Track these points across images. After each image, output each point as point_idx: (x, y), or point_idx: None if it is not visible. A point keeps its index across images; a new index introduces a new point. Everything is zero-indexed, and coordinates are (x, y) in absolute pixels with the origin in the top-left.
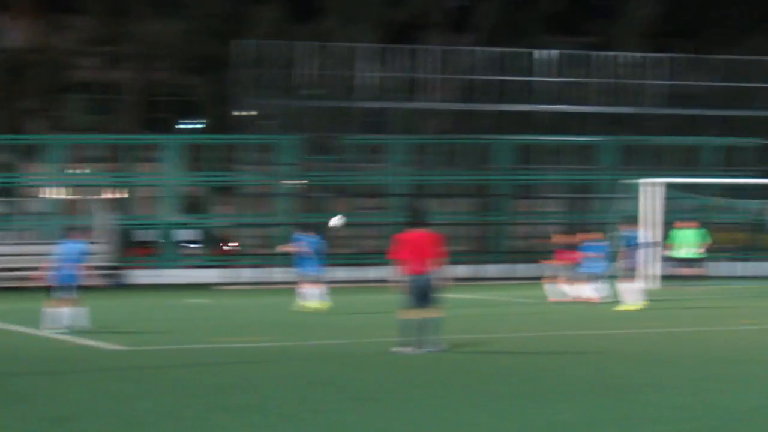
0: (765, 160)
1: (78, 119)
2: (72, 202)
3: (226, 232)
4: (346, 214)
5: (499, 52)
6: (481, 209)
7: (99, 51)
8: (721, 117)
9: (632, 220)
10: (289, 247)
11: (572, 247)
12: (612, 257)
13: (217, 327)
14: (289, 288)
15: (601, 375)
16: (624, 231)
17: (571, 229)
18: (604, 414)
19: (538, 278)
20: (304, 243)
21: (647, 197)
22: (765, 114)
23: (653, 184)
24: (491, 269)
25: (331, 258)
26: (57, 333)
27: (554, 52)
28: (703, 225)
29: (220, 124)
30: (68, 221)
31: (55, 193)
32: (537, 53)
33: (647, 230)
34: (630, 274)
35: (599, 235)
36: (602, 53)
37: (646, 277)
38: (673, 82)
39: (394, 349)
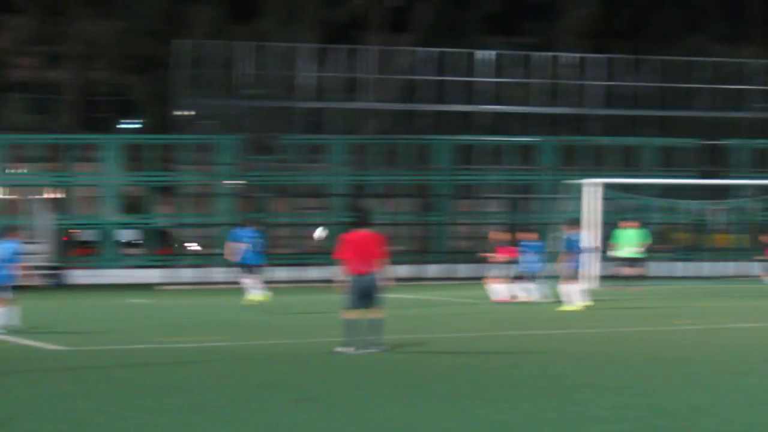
0: (704, 160)
1: (17, 119)
2: (11, 201)
3: (184, 233)
4: (286, 214)
5: (439, 52)
6: (422, 209)
7: (38, 51)
8: (661, 117)
9: (574, 222)
10: (233, 247)
11: (509, 245)
12: (547, 257)
13: (159, 327)
14: (230, 288)
15: (543, 375)
16: (566, 233)
17: (509, 227)
18: (546, 414)
19: (479, 278)
20: (243, 238)
21: (588, 197)
22: (704, 114)
23: (593, 185)
24: (432, 269)
25: (272, 258)
26: None
27: (493, 53)
28: (645, 225)
29: (160, 123)
30: (8, 221)
31: None
32: (477, 54)
33: (589, 233)
34: (572, 275)
35: (535, 236)
36: (542, 54)
37: (587, 278)
38: (612, 83)
39: (337, 350)
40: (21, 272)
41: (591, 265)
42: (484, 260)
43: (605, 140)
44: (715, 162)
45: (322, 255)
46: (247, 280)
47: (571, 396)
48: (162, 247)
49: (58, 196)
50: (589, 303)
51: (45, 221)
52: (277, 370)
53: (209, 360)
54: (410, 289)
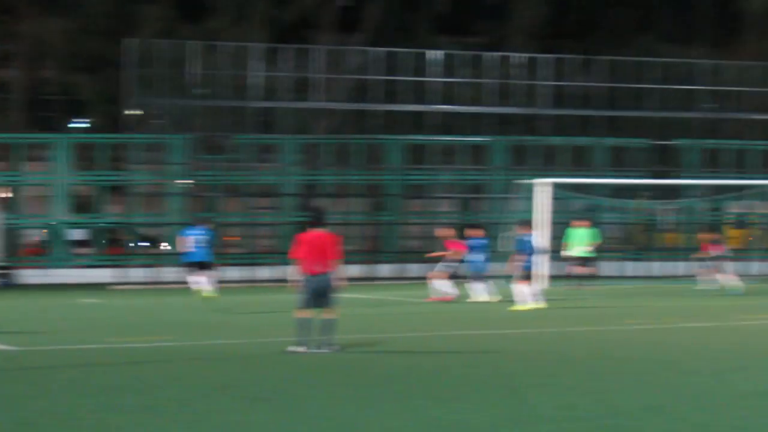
0: (654, 160)
1: None
2: None
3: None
4: (238, 214)
5: (390, 52)
6: (373, 209)
7: None
8: (611, 117)
9: (526, 222)
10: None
11: (457, 241)
12: (492, 255)
13: (110, 327)
14: (181, 287)
15: (496, 374)
16: (518, 233)
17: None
18: (498, 413)
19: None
20: (193, 236)
21: (538, 197)
22: (654, 115)
23: (544, 185)
24: (384, 269)
25: (224, 258)
26: None
27: (444, 53)
28: (596, 225)
29: (110, 123)
30: None
31: None
32: (428, 53)
33: (540, 232)
34: (524, 275)
35: (481, 232)
36: (492, 54)
37: (540, 279)
38: (562, 83)
39: (289, 349)
40: None
41: (542, 265)
42: (435, 260)
43: (556, 140)
44: (665, 162)
45: (274, 255)
46: (200, 278)
47: (524, 395)
48: (113, 246)
49: (7, 195)
50: (542, 305)
51: None
52: (230, 370)
53: (161, 360)
54: (362, 288)
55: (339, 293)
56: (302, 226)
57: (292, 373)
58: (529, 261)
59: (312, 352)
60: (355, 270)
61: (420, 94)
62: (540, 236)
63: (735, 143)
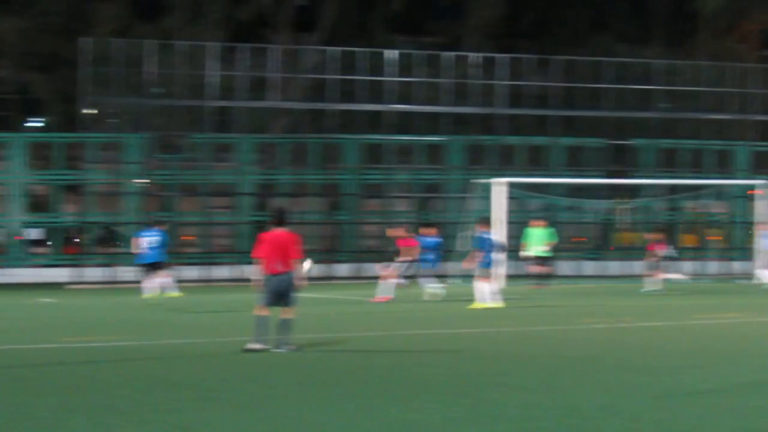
0: (611, 160)
1: None
2: None
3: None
4: (194, 213)
5: (347, 51)
6: (330, 208)
7: None
8: (568, 117)
9: (485, 220)
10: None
11: (408, 239)
12: (444, 254)
13: (67, 326)
14: (138, 287)
15: (454, 374)
16: (478, 231)
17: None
18: (456, 413)
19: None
20: (148, 238)
21: (495, 197)
22: (610, 114)
23: (500, 184)
24: (341, 268)
25: (180, 257)
26: None
27: (401, 52)
28: (553, 224)
29: (66, 122)
30: None
31: None
32: (386, 53)
33: (499, 231)
34: (484, 273)
35: (433, 231)
36: (448, 53)
37: (498, 277)
38: (518, 83)
39: (247, 346)
40: None
41: (501, 264)
42: (392, 259)
43: (513, 140)
44: (621, 162)
45: (230, 254)
46: (152, 284)
47: (482, 395)
48: (70, 246)
49: None
50: (499, 305)
51: None
52: (187, 369)
53: (118, 359)
54: (319, 288)
55: (298, 293)
56: (261, 226)
57: (250, 372)
58: (488, 258)
59: (271, 350)
60: (312, 269)
61: (377, 93)
62: (498, 234)
63: (691, 143)
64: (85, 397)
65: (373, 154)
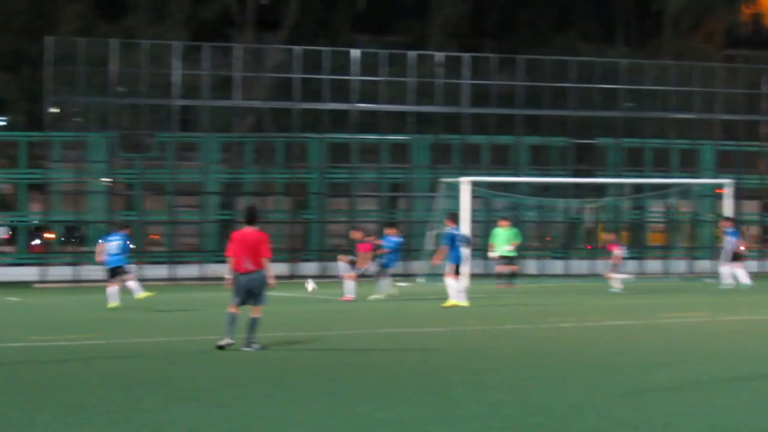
0: (575, 159)
1: None
2: None
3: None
4: (160, 212)
5: (311, 50)
6: (296, 207)
7: None
8: (532, 116)
9: (453, 216)
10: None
11: (368, 241)
12: (402, 254)
13: (34, 325)
14: (106, 286)
15: (422, 372)
16: (446, 228)
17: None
18: (424, 411)
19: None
20: (110, 242)
21: (460, 196)
22: (574, 113)
23: (465, 183)
24: (307, 267)
25: (146, 256)
26: None
27: (365, 51)
28: (520, 223)
29: (31, 121)
30: None
31: None
32: (351, 52)
33: (465, 228)
34: (452, 269)
35: (394, 231)
36: (414, 52)
37: (464, 275)
38: (483, 82)
39: (219, 343)
40: None
41: (467, 261)
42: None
43: (478, 139)
44: (586, 161)
45: (196, 253)
46: (128, 283)
47: (450, 393)
48: (36, 244)
49: None
50: (464, 303)
51: None
52: (155, 368)
53: (86, 358)
54: (285, 287)
55: (268, 291)
56: (226, 225)
57: (219, 370)
58: (458, 254)
59: (231, 342)
60: (278, 268)
61: (342, 92)
62: (465, 230)
63: (656, 142)
64: (53, 395)
65: (339, 153)
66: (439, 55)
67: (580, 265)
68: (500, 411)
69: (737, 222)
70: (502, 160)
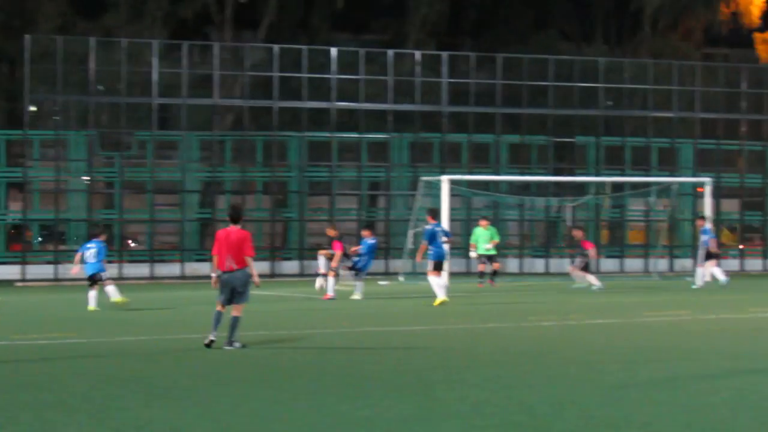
0: (555, 157)
1: None
2: None
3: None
4: (140, 211)
5: (290, 48)
6: (276, 206)
7: None
8: (511, 115)
9: (434, 212)
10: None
11: (340, 240)
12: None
13: (15, 323)
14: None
15: (404, 371)
16: (428, 225)
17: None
18: (406, 410)
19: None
20: (84, 251)
21: (439, 194)
22: (553, 112)
23: (443, 181)
24: (287, 265)
25: (126, 255)
26: None
27: (344, 50)
28: (500, 222)
29: (10, 119)
30: None
31: None
32: (330, 50)
33: (445, 226)
34: (435, 265)
35: (369, 233)
36: (392, 51)
37: (446, 272)
38: (461, 80)
39: (205, 342)
40: None
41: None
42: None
43: (457, 137)
44: (566, 159)
45: (176, 251)
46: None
47: (432, 392)
48: (16, 243)
49: None
50: (445, 299)
51: None
52: (137, 367)
53: (67, 356)
54: (266, 285)
55: (250, 290)
56: (206, 223)
57: (200, 369)
58: (440, 250)
59: (213, 339)
60: (259, 267)
61: (321, 90)
62: (446, 227)
63: (636, 140)
64: (34, 394)
65: (318, 151)
66: (417, 54)
67: (560, 264)
68: (482, 409)
69: (713, 221)
70: (481, 159)
